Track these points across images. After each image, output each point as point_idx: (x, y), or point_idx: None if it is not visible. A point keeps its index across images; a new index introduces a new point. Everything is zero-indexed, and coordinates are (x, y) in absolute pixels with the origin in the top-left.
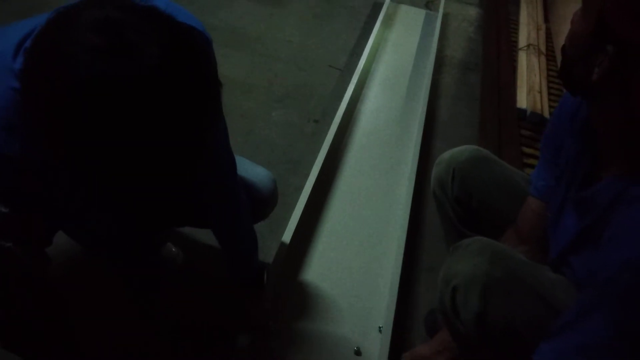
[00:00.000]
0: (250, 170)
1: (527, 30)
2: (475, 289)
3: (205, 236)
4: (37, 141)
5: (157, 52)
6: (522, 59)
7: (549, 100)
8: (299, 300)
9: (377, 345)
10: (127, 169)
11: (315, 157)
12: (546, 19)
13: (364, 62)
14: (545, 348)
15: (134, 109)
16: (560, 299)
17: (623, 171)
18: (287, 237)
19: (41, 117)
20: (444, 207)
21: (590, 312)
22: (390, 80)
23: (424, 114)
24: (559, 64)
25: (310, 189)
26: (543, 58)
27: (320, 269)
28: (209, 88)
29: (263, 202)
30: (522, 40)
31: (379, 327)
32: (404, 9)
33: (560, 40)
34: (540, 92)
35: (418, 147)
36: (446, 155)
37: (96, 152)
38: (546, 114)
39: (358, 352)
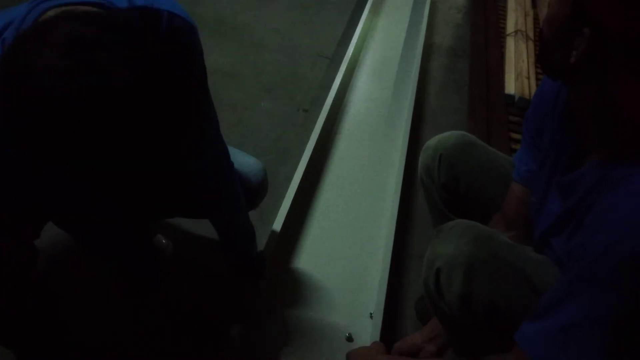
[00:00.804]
0: (240, 159)
1: (514, 16)
2: (458, 270)
3: (195, 227)
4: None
5: (127, 75)
6: (510, 45)
7: (537, 85)
8: (291, 288)
9: (368, 331)
10: (104, 173)
11: (304, 147)
12: (534, 5)
13: (352, 50)
14: (528, 329)
15: (103, 129)
16: (543, 279)
17: (604, 154)
18: (277, 225)
19: (13, 127)
20: (431, 193)
21: (574, 293)
22: (379, 69)
23: (413, 101)
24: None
25: (300, 177)
26: (531, 44)
27: (311, 257)
28: (183, 104)
29: (253, 191)
30: (510, 26)
31: (370, 314)
32: None
33: None
34: (529, 78)
35: (407, 135)
36: (432, 141)
37: (68, 157)
38: None
39: (350, 339)
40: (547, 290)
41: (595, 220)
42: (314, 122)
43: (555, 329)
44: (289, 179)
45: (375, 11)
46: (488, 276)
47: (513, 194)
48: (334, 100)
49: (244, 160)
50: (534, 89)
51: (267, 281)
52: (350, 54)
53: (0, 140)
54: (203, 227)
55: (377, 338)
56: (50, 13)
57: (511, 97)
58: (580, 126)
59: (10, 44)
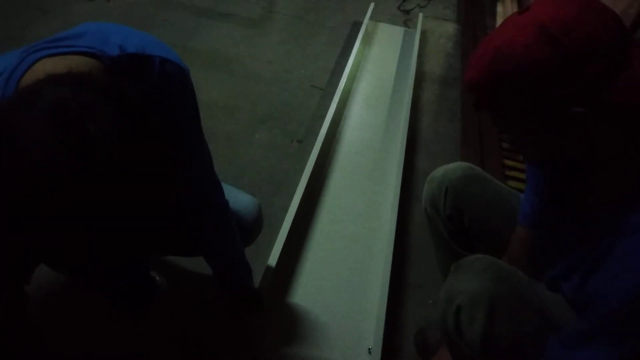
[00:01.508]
0: (234, 197)
1: None
2: (481, 307)
3: (189, 263)
4: None
5: (117, 143)
6: None
7: None
8: (287, 324)
9: None
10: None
11: (299, 177)
12: None
13: (345, 80)
14: None
15: (91, 192)
16: (561, 318)
17: (615, 200)
18: (272, 260)
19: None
20: (436, 225)
21: (596, 336)
22: (371, 98)
23: (406, 129)
24: None
25: (295, 209)
26: None
27: (308, 291)
28: (173, 163)
29: (248, 229)
30: None
31: (369, 349)
32: (383, 27)
33: None
34: None
35: (402, 163)
36: (438, 172)
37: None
38: None
39: None
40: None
41: (618, 264)
42: (309, 153)
43: None
44: (284, 209)
45: (367, 41)
46: (511, 315)
47: (518, 236)
48: (327, 131)
49: (238, 198)
50: None
51: (263, 317)
52: (343, 85)
53: None
54: (197, 264)
55: None
56: (39, 67)
57: None
58: (586, 175)
59: (10, 98)
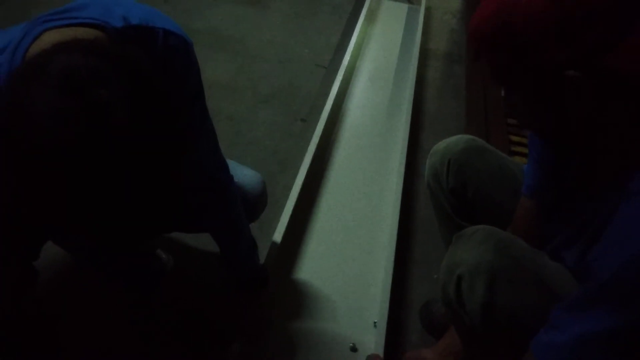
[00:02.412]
0: (239, 172)
1: None
2: (481, 277)
3: (195, 241)
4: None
5: (128, 109)
6: None
7: None
8: (293, 299)
9: (372, 340)
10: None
11: (303, 156)
12: None
13: (348, 58)
14: (544, 339)
15: (103, 159)
16: (564, 288)
17: (616, 167)
18: (277, 236)
19: (9, 164)
20: (439, 199)
21: (593, 306)
22: (375, 76)
23: (411, 107)
24: None
25: (300, 187)
26: None
27: (313, 267)
28: (182, 127)
29: (253, 204)
30: None
31: (374, 323)
32: (387, 4)
33: None
34: None
35: (406, 141)
36: (441, 146)
37: (62, 193)
38: None
39: (354, 349)
40: (565, 297)
41: (615, 232)
42: (312, 132)
43: (572, 341)
44: (289, 188)
45: (371, 19)
46: (511, 284)
47: (522, 207)
48: (331, 109)
49: (243, 174)
50: None
51: (269, 292)
52: (347, 63)
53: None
54: (203, 241)
55: (382, 347)
56: (45, 39)
57: None
58: (587, 144)
59: (5, 85)
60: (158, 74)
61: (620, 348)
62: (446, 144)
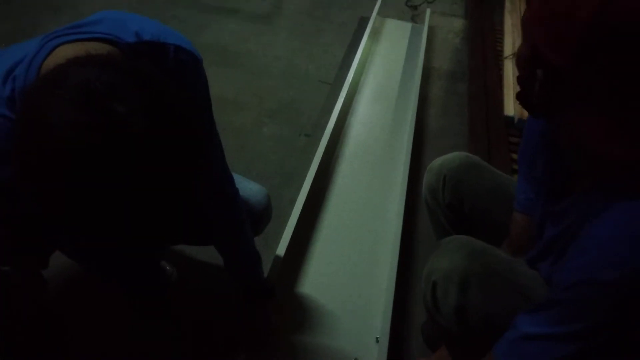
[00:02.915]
0: (244, 186)
1: (511, 39)
2: (453, 283)
3: (199, 253)
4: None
5: (143, 122)
6: (508, 67)
7: None
8: (296, 313)
9: (374, 355)
10: (119, 212)
11: (307, 171)
12: None
13: (352, 75)
14: (503, 336)
15: (119, 173)
16: (536, 292)
17: (589, 185)
18: (281, 250)
19: (25, 175)
20: (436, 214)
21: (543, 310)
22: (379, 93)
23: (414, 124)
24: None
25: (304, 201)
26: None
27: (316, 281)
28: (195, 138)
29: (257, 218)
30: (508, 49)
31: (376, 338)
32: (391, 22)
33: None
34: None
35: (409, 157)
36: (436, 162)
37: (76, 205)
38: None
39: None
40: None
41: (576, 249)
42: (316, 146)
43: (518, 338)
44: (293, 202)
45: (375, 37)
46: (482, 289)
47: (515, 222)
48: (335, 125)
49: (248, 187)
50: None
51: (274, 304)
52: (351, 79)
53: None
54: (206, 254)
55: None
56: (59, 53)
57: (511, 118)
58: (567, 157)
59: (22, 99)
60: (170, 87)
61: (558, 350)
62: (442, 161)
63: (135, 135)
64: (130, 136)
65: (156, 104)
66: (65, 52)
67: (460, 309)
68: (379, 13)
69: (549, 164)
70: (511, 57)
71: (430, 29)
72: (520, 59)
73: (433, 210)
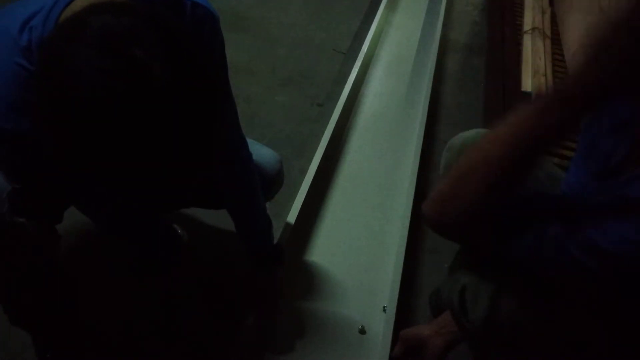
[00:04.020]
0: (257, 150)
1: (532, 14)
2: (485, 290)
3: (209, 218)
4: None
5: (164, 67)
6: (527, 42)
7: (554, 83)
8: (304, 281)
9: (381, 324)
10: (137, 163)
11: (319, 141)
12: (551, 3)
13: (367, 45)
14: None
15: (141, 119)
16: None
17: None
18: (291, 218)
19: (50, 124)
20: None
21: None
22: (394, 64)
23: (428, 97)
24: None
25: (315, 171)
26: (548, 41)
27: (325, 250)
28: (215, 88)
29: (269, 182)
30: (527, 24)
31: (384, 307)
32: None
33: (566, 24)
34: (546, 76)
35: (422, 131)
36: (457, 140)
37: (101, 153)
38: None
39: (362, 331)
40: None
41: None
42: (329, 117)
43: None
44: (304, 172)
45: (391, 7)
46: (516, 298)
47: None
48: (348, 95)
49: (261, 152)
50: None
51: (283, 271)
52: (366, 49)
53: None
54: (217, 218)
55: (390, 332)
56: (77, 3)
57: (528, 94)
58: None
59: (44, 46)
60: (188, 36)
61: None
62: (463, 139)
63: (156, 79)
64: (152, 80)
65: (176, 51)
66: (82, 2)
67: (490, 318)
68: None
69: (616, 146)
70: (530, 32)
71: (449, 0)
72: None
73: None
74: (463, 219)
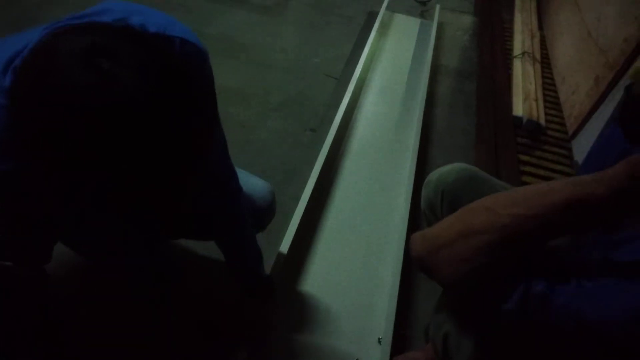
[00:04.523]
0: (249, 182)
1: (521, 38)
2: (468, 339)
3: (200, 248)
4: (29, 155)
5: (133, 76)
6: (517, 66)
7: (545, 107)
8: (298, 312)
9: (377, 356)
10: (120, 184)
11: (312, 166)
12: (540, 27)
13: (359, 70)
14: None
15: (122, 135)
16: None
17: None
18: (284, 247)
19: (31, 140)
20: None
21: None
22: (386, 89)
23: (420, 122)
24: (554, 72)
25: (308, 198)
26: (538, 65)
27: (319, 279)
28: (198, 106)
29: (261, 214)
30: (517, 48)
31: (379, 339)
32: (399, 18)
33: (555, 48)
34: (536, 100)
35: (415, 156)
36: (434, 176)
37: (85, 171)
38: (542, 122)
39: None
40: None
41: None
42: (322, 142)
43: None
44: (297, 198)
45: (383, 32)
46: (499, 346)
47: None
48: (341, 120)
49: (252, 183)
50: (542, 110)
51: (274, 304)
52: (358, 74)
53: (18, 158)
54: (208, 249)
55: None
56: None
57: (519, 119)
58: None
59: (26, 55)
60: (174, 71)
61: None
62: (439, 174)
63: (128, 88)
64: (125, 89)
65: (159, 79)
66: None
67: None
68: (387, 8)
69: None
70: (520, 56)
71: (439, 25)
72: None
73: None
74: (454, 267)
